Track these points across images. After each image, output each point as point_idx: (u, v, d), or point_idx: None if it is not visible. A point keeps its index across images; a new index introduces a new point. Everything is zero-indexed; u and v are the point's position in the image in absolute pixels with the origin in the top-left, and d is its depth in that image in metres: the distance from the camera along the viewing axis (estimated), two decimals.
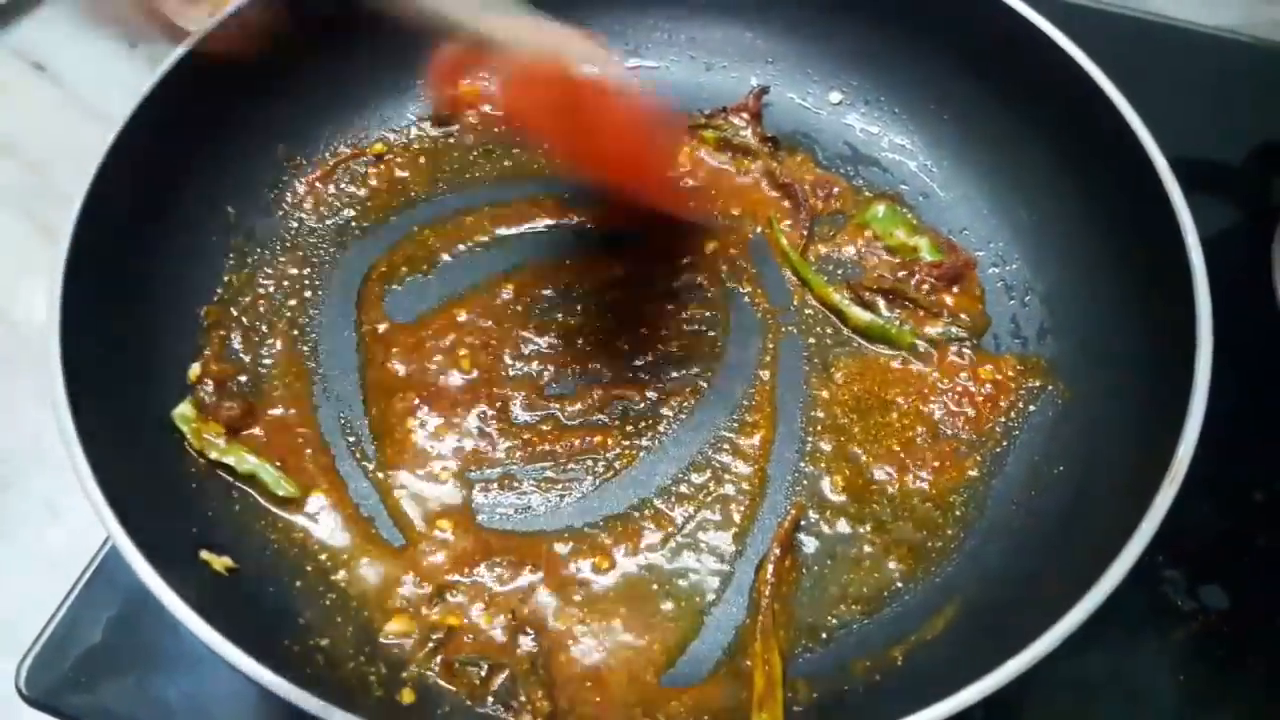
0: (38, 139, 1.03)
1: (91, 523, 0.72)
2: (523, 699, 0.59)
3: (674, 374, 0.74)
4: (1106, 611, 0.67)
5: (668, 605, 0.65)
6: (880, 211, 0.82)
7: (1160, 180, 0.67)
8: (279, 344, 0.75)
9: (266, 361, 0.74)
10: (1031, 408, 0.73)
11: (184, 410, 0.69)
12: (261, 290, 0.77)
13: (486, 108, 0.85)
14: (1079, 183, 0.77)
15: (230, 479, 0.68)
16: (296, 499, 0.68)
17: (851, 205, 0.83)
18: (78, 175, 0.67)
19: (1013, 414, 0.72)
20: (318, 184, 0.83)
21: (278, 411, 0.72)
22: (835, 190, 0.84)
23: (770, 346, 0.76)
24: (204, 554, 0.62)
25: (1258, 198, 0.93)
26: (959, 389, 0.73)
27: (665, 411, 0.73)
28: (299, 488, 0.68)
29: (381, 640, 0.63)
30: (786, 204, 0.82)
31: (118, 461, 0.58)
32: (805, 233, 0.80)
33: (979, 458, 0.71)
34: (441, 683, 0.61)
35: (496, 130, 0.85)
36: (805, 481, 0.70)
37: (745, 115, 0.86)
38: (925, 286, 0.77)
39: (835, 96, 0.88)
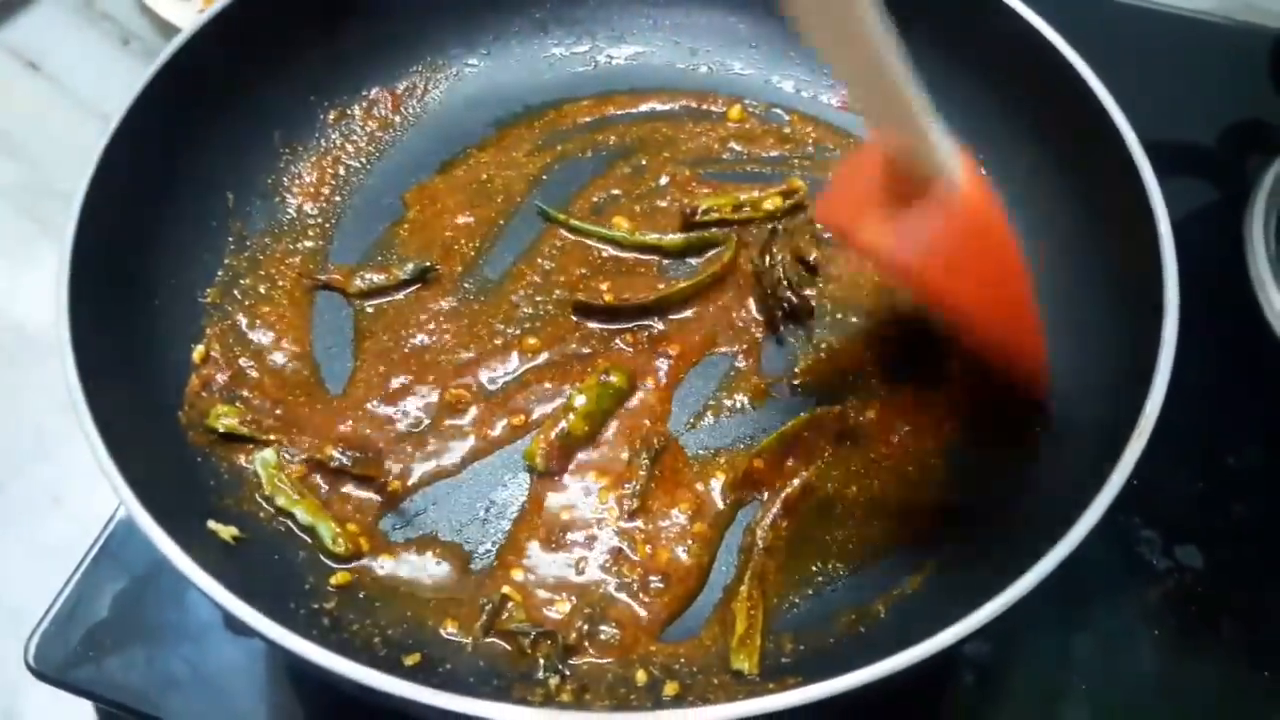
0: (32, 136, 1.04)
1: (93, 512, 0.75)
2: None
3: (661, 359, 0.76)
4: (1086, 569, 0.70)
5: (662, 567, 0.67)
6: None
7: (1130, 155, 0.69)
8: (280, 323, 0.76)
9: (267, 340, 0.75)
10: (1009, 375, 0.74)
11: (266, 455, 0.69)
12: (262, 272, 0.78)
13: None
14: (1052, 160, 0.79)
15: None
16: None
17: None
18: (74, 171, 0.68)
19: (990, 380, 0.74)
20: (313, 169, 0.84)
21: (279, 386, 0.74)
22: None
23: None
24: (211, 524, 0.64)
25: (1231, 176, 0.95)
26: None
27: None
28: (350, 546, 0.67)
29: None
30: None
31: (129, 440, 0.59)
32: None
33: (958, 422, 0.73)
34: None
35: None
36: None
37: None
38: None
39: (814, 78, 0.90)
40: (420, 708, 0.50)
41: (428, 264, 0.79)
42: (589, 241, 0.81)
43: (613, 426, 0.72)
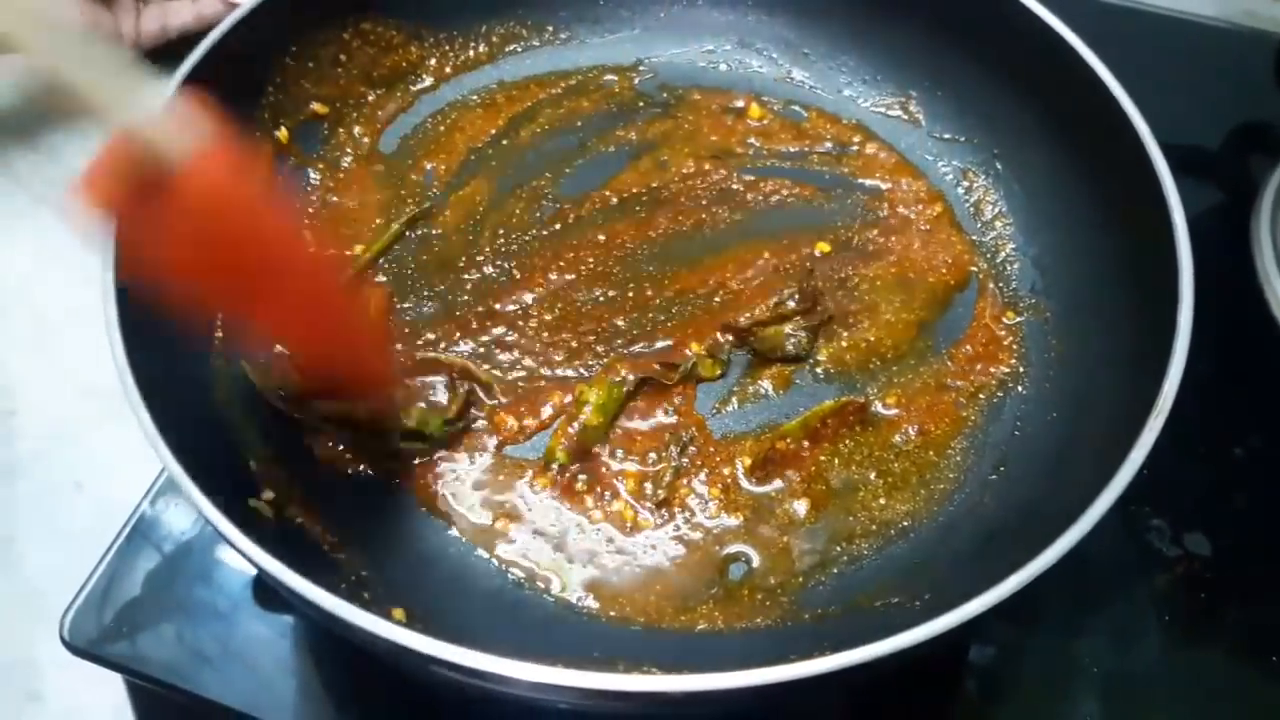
0: (53, 128, 1.04)
1: (115, 497, 0.76)
2: None
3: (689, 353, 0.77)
4: (1099, 555, 0.71)
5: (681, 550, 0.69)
6: None
7: (1145, 149, 0.71)
8: None
9: None
10: (1024, 362, 0.77)
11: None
12: None
13: None
14: (1068, 155, 0.80)
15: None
16: None
17: None
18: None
19: (1006, 368, 0.76)
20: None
21: None
22: None
23: None
24: (252, 502, 0.65)
25: (1237, 177, 0.97)
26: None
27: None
28: None
29: None
30: None
31: (173, 420, 0.60)
32: None
33: (977, 408, 0.75)
34: None
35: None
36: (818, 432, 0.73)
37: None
38: None
39: (834, 76, 0.92)
40: (455, 669, 0.51)
41: None
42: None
43: (636, 417, 0.74)
